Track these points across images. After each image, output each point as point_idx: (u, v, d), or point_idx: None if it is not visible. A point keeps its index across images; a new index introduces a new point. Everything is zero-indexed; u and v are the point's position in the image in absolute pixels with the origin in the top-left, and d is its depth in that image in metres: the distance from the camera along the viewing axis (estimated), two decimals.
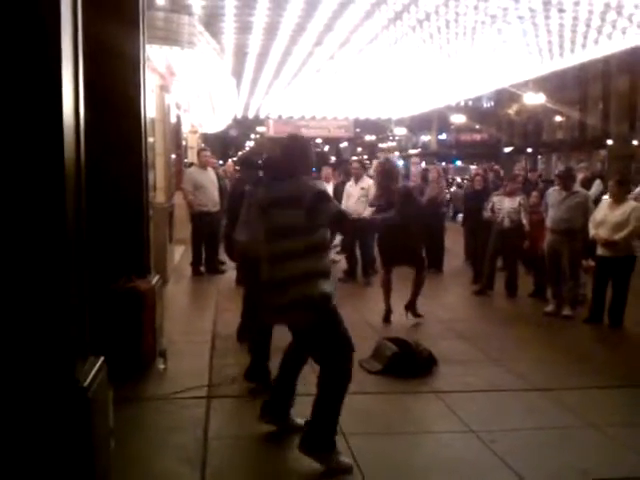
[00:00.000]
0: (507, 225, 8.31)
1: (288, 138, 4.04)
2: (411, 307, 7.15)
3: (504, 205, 8.39)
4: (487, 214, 8.58)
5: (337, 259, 11.13)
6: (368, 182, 9.29)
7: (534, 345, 6.24)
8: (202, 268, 9.62)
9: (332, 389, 3.60)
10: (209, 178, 9.75)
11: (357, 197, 9.36)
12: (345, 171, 12.08)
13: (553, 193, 7.53)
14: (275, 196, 3.69)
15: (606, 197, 7.47)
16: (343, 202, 9.65)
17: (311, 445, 3.56)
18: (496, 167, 13.74)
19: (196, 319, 7.19)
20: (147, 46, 5.84)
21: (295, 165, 3.72)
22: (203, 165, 9.93)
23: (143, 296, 5.08)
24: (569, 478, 3.57)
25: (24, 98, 2.73)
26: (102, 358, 3.23)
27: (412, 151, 47.92)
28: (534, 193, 8.98)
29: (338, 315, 3.66)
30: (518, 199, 8.35)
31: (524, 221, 8.18)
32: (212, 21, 8.38)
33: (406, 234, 6.69)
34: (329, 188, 10.55)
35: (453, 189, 21.41)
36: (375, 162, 11.81)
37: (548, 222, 7.46)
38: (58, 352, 2.84)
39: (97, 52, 4.59)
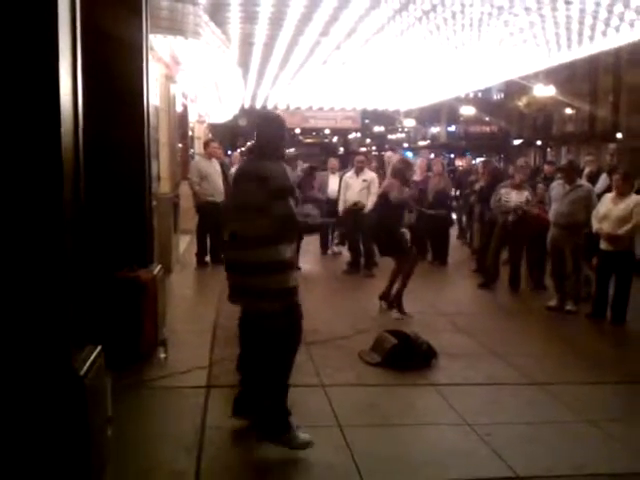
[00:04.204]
0: (512, 219, 8.22)
1: (258, 117, 4.08)
2: (385, 297, 7.08)
3: (512, 198, 8.26)
4: (494, 204, 8.47)
5: (336, 250, 11.22)
6: (370, 175, 9.68)
7: (535, 339, 6.24)
8: (207, 258, 9.65)
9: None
10: (214, 167, 9.80)
11: (359, 189, 9.54)
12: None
13: (556, 187, 7.48)
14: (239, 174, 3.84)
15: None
16: (341, 193, 9.73)
17: (266, 431, 3.67)
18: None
19: (199, 309, 7.22)
20: (151, 36, 5.82)
21: (263, 144, 3.75)
22: (209, 156, 9.99)
23: (144, 286, 5.10)
24: (563, 473, 3.57)
25: (19, 86, 2.74)
26: (100, 347, 3.26)
27: (421, 143, 47.75)
28: (540, 185, 8.90)
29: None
30: (526, 194, 8.25)
31: (532, 212, 8.05)
32: (217, 11, 8.35)
33: (382, 229, 7.13)
34: (335, 179, 10.61)
35: None
36: (388, 156, 12.13)
37: (551, 216, 7.41)
38: (54, 341, 2.86)
39: (98, 40, 4.61)
